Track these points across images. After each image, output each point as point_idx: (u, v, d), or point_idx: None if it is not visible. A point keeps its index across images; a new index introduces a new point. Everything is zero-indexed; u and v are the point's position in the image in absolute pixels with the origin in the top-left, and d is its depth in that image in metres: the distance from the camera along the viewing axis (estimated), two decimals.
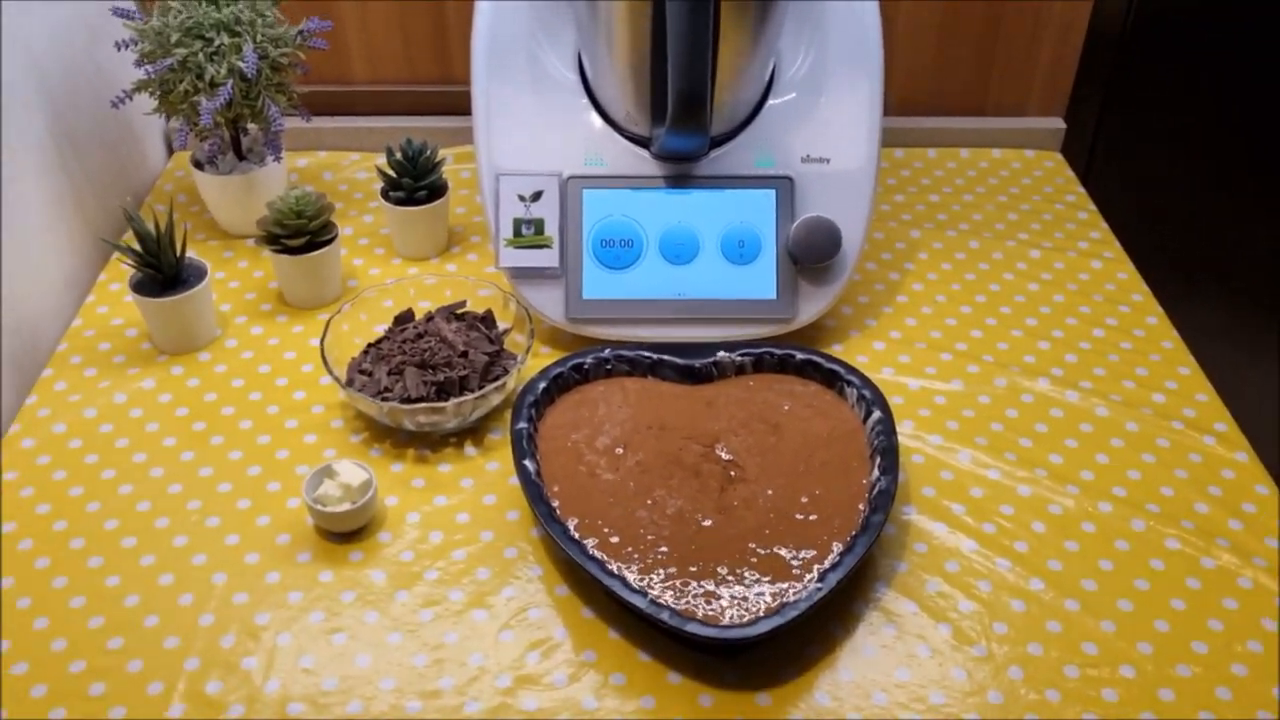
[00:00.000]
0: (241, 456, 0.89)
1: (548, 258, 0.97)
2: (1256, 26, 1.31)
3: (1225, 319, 1.48)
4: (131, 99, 1.03)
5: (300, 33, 1.04)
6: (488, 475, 0.88)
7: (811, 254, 0.96)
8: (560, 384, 0.90)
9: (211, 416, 0.93)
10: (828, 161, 0.98)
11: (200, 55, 0.98)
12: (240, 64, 0.98)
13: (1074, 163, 1.28)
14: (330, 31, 1.08)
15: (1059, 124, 1.28)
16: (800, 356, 0.92)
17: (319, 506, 0.81)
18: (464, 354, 0.90)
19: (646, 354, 0.92)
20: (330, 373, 0.89)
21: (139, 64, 1.02)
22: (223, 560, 0.81)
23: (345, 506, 0.81)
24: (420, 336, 0.92)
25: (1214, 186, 1.42)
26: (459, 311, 0.97)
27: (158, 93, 1.02)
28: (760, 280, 0.97)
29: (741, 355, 0.92)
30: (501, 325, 0.97)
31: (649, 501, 0.81)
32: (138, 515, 0.84)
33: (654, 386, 0.91)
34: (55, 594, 0.78)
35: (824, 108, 0.99)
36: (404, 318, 0.97)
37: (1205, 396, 0.95)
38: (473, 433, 0.91)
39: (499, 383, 0.89)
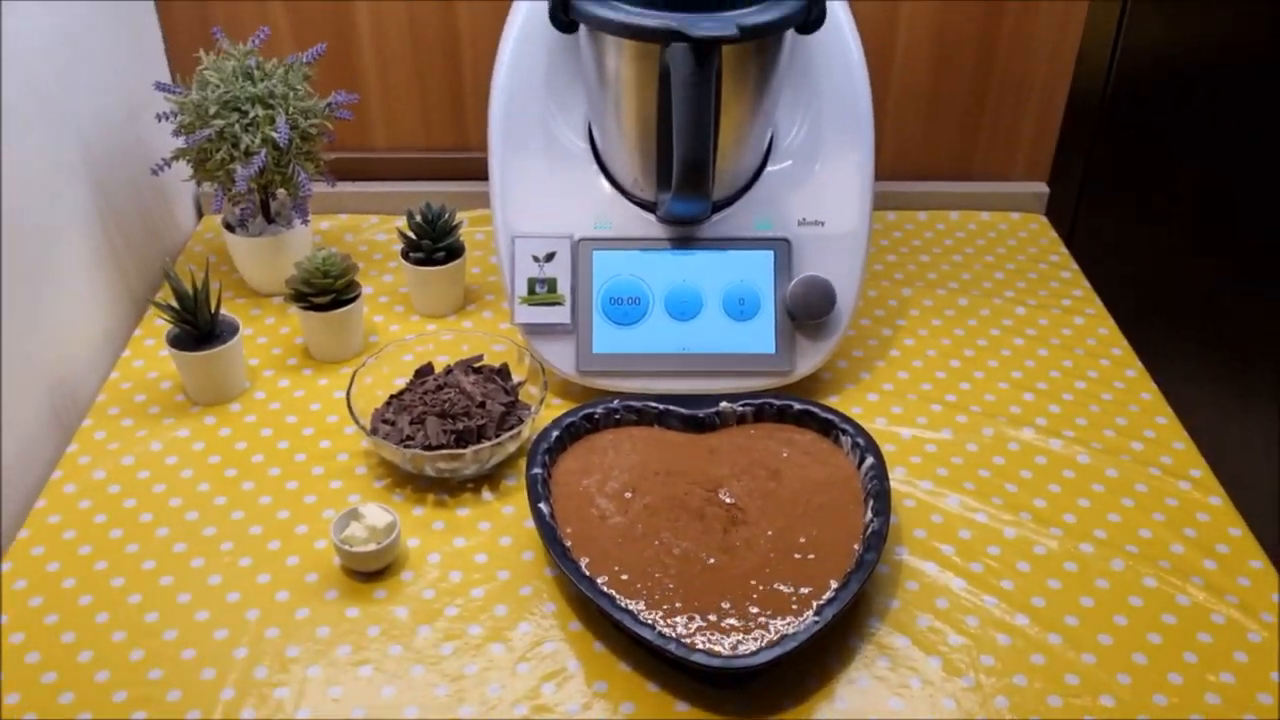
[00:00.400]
0: (271, 501, 0.94)
1: (560, 314, 1.03)
2: (1228, 94, 1.39)
3: (1202, 369, 1.55)
4: (170, 166, 1.10)
5: (329, 105, 1.12)
6: (504, 518, 0.93)
7: (808, 311, 1.02)
8: (572, 432, 0.96)
9: (242, 464, 0.98)
10: (823, 224, 1.05)
11: (236, 126, 1.05)
12: (274, 134, 1.05)
13: (1058, 224, 1.34)
14: (355, 103, 1.16)
15: (1043, 188, 1.35)
16: (798, 407, 0.97)
17: (346, 547, 0.86)
18: (481, 404, 0.96)
19: (653, 404, 0.98)
20: (356, 421, 0.94)
21: (177, 134, 1.09)
22: (255, 597, 0.86)
23: (371, 547, 0.86)
24: (440, 388, 0.98)
25: (1192, 243, 1.49)
26: (476, 365, 1.02)
27: (194, 160, 1.09)
28: (760, 336, 1.03)
29: (742, 406, 0.98)
30: (516, 378, 1.03)
31: (656, 542, 0.86)
32: (174, 555, 0.89)
33: (660, 435, 0.97)
34: (97, 628, 0.83)
35: (819, 174, 1.06)
36: (424, 371, 1.02)
37: (1181, 444, 1.01)
38: (489, 479, 0.96)
39: (514, 431, 0.95)
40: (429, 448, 0.93)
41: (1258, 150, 1.42)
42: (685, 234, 1.05)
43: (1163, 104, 1.39)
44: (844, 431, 0.95)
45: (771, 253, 1.04)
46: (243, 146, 1.06)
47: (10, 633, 0.82)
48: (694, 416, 0.98)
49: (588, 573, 0.83)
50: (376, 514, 0.88)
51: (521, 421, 0.96)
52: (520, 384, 1.02)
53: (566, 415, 0.96)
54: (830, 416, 0.96)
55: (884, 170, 1.33)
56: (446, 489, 0.95)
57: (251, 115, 1.06)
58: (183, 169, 1.12)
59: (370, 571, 0.87)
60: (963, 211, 1.35)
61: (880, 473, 0.90)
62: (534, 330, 1.03)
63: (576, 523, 0.88)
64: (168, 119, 1.10)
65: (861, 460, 0.92)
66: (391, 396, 1.00)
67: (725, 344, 1.03)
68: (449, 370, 1.01)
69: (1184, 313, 1.51)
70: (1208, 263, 1.49)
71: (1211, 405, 1.52)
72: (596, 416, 0.97)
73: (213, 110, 1.05)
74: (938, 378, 1.08)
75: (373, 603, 0.85)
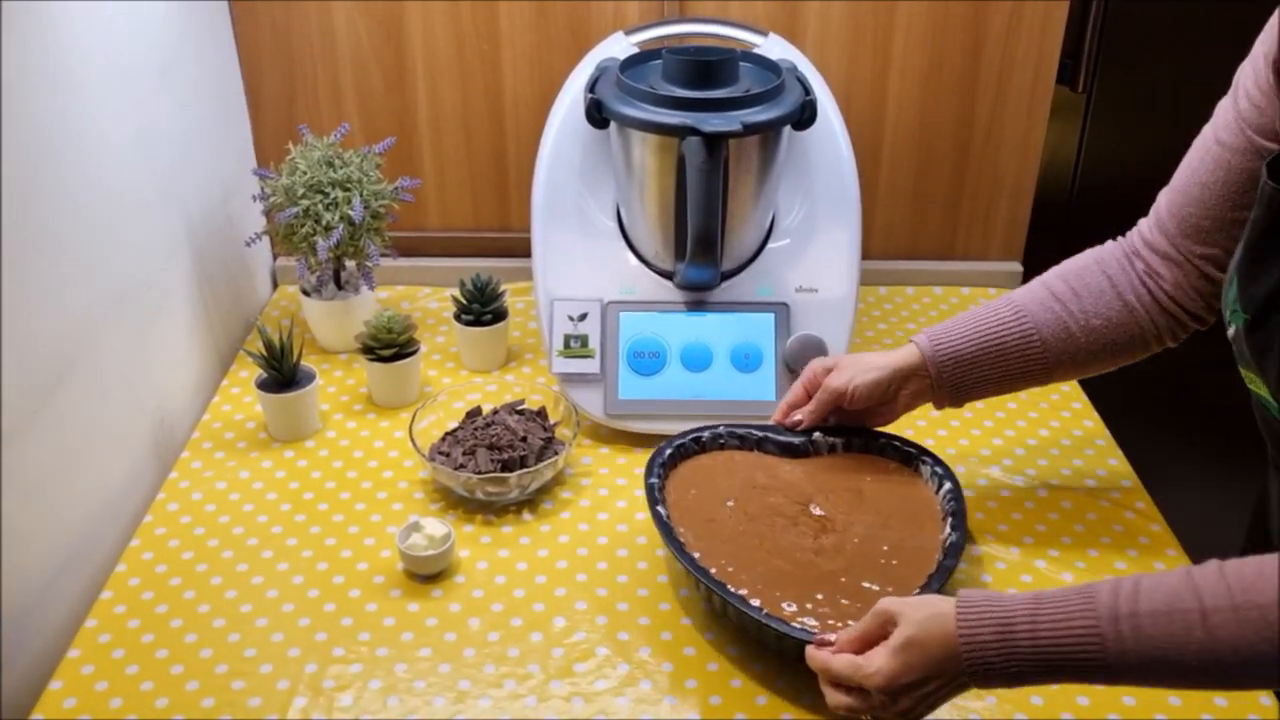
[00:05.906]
0: (343, 519, 1.10)
1: (591, 365, 1.20)
2: None
3: (1153, 428, 1.71)
4: (260, 239, 1.29)
5: (395, 188, 1.31)
6: (541, 535, 1.08)
7: (804, 364, 1.18)
8: (681, 451, 1.08)
9: (317, 489, 1.14)
10: (816, 291, 1.22)
11: (320, 205, 1.24)
12: (350, 212, 1.24)
13: None
14: (416, 187, 1.35)
15: (1017, 267, 1.53)
16: (882, 439, 1.09)
17: (409, 552, 1.02)
18: (524, 439, 1.13)
19: (754, 430, 1.09)
20: (417, 450, 1.11)
21: (267, 212, 1.28)
22: (331, 594, 1.01)
23: (430, 552, 1.02)
24: (489, 425, 1.15)
25: None
26: (519, 408, 1.19)
27: (281, 234, 1.28)
28: (762, 385, 1.19)
29: (832, 437, 1.09)
30: (552, 420, 1.19)
31: (755, 541, 0.98)
32: (263, 561, 1.05)
33: (759, 458, 1.08)
34: (200, 616, 0.98)
35: (813, 249, 1.23)
36: (474, 412, 1.19)
37: (1129, 482, 1.16)
38: (529, 503, 1.12)
39: (551, 460, 1.11)
40: (479, 473, 1.09)
41: None
42: (698, 298, 1.22)
43: (1126, 199, 1.57)
44: (924, 461, 1.06)
45: (772, 315, 1.21)
46: (324, 222, 1.25)
47: (128, 619, 0.98)
48: (789, 444, 1.09)
49: (702, 564, 0.95)
50: (434, 525, 1.04)
51: (557, 454, 1.12)
52: (556, 424, 1.18)
53: (677, 437, 1.08)
54: (910, 449, 1.08)
55: (876, 251, 1.52)
56: (492, 511, 1.11)
57: (332, 196, 1.25)
58: (263, 247, 1.31)
59: (429, 575, 1.03)
60: (945, 287, 1.52)
61: (957, 495, 1.01)
62: (569, 379, 1.20)
63: (688, 524, 1.00)
64: (259, 199, 1.29)
65: (940, 485, 1.04)
66: (446, 433, 1.17)
67: (733, 392, 1.19)
68: (496, 411, 1.18)
69: (1147, 376, 1.67)
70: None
71: (1162, 452, 1.68)
72: (703, 439, 1.09)
73: (300, 192, 1.24)
74: (919, 425, 1.24)
75: (431, 600, 1.01)
